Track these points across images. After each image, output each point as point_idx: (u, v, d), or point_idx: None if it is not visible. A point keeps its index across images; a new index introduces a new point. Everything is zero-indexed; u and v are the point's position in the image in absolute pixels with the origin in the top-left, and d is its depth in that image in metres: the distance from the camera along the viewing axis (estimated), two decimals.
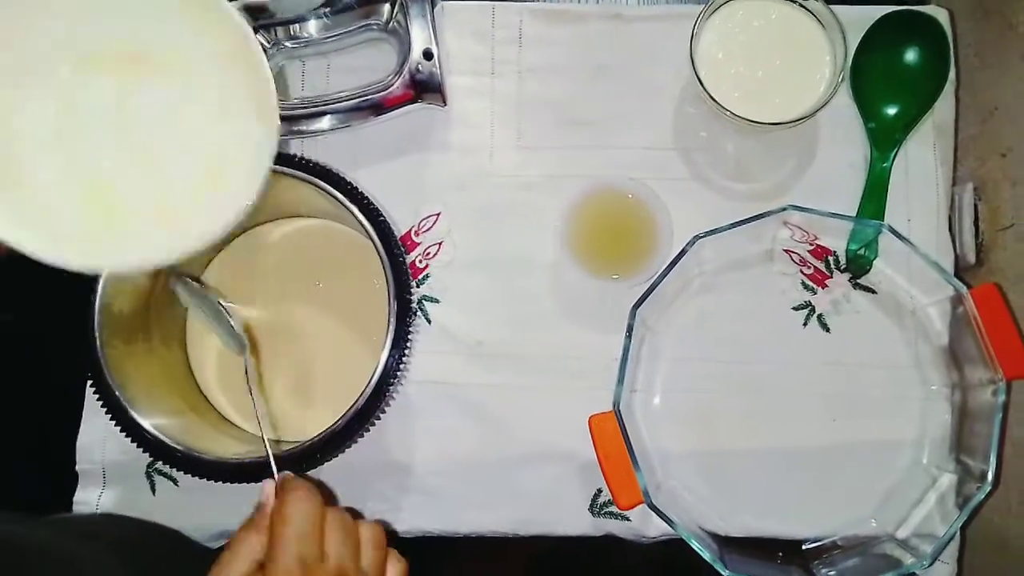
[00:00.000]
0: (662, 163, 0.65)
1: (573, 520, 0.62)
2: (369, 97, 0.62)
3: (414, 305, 0.57)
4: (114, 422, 0.54)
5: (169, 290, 0.61)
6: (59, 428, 0.64)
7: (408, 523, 0.62)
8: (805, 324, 0.63)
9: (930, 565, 0.55)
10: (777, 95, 0.60)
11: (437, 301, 0.64)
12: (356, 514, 0.56)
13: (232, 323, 0.56)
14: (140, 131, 0.43)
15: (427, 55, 0.61)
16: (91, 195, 0.42)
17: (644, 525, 0.62)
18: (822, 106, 0.58)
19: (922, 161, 0.64)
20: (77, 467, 0.63)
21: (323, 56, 0.66)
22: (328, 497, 0.59)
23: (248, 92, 0.43)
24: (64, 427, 0.64)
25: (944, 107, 0.64)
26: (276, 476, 0.48)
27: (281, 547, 0.42)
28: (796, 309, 0.63)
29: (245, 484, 0.53)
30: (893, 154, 0.63)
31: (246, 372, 0.54)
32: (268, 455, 0.50)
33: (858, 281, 0.63)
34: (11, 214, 0.40)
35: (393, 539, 0.61)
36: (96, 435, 0.63)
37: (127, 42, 0.42)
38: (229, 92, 0.43)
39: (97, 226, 0.42)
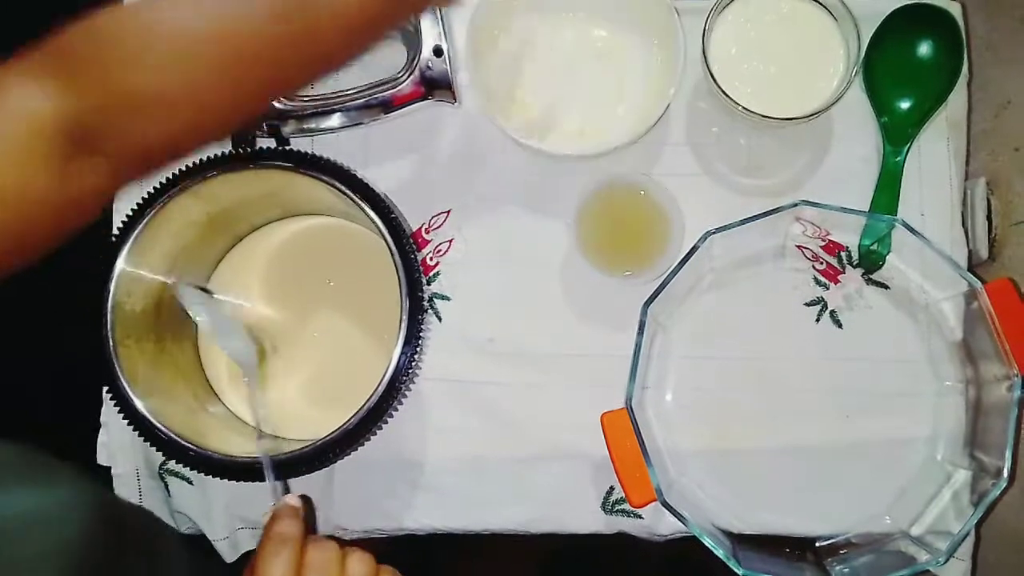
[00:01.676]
0: (674, 159, 0.64)
1: (585, 518, 0.62)
2: (379, 94, 0.62)
3: (425, 303, 0.57)
4: (127, 422, 0.54)
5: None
6: (74, 428, 0.64)
7: (419, 521, 0.62)
8: (818, 320, 0.63)
9: (945, 562, 0.55)
10: (790, 90, 0.59)
11: (448, 299, 0.64)
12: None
13: (243, 334, 0.57)
14: None
15: (437, 52, 0.61)
16: None
17: (657, 523, 0.62)
18: (835, 101, 0.57)
19: (935, 156, 0.64)
20: (112, 470, 0.64)
21: None
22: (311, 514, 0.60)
23: None
24: (81, 427, 0.64)
25: (957, 101, 0.64)
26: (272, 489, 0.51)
27: None
28: (808, 305, 0.63)
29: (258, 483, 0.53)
30: (906, 149, 0.63)
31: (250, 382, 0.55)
32: (266, 470, 0.51)
33: (871, 276, 0.63)
34: None
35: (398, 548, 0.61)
36: (116, 435, 0.63)
37: None
38: None
39: None
